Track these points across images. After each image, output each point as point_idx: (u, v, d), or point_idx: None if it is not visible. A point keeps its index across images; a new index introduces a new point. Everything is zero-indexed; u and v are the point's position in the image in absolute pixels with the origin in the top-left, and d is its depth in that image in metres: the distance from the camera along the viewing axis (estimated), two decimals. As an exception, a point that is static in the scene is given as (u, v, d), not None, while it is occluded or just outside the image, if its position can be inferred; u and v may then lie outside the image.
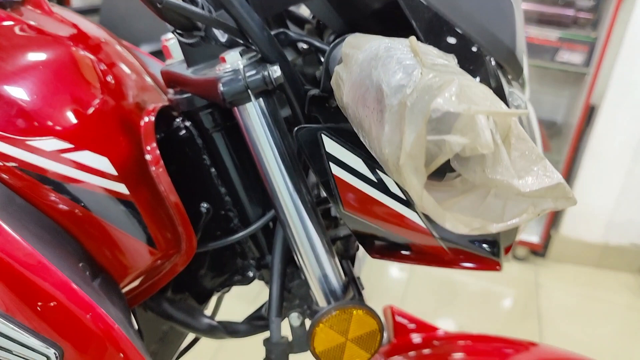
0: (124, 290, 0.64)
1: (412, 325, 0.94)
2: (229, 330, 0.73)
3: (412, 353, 0.87)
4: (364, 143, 0.43)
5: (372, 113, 0.36)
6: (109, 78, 0.63)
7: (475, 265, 0.61)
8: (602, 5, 2.36)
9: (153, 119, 0.62)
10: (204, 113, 0.64)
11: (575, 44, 2.37)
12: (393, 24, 0.53)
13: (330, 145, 0.52)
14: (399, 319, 0.90)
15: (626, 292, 2.64)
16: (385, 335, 0.77)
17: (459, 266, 0.62)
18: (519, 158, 0.32)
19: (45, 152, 0.54)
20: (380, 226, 0.57)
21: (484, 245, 0.60)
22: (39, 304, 0.48)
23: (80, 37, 0.66)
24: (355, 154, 0.52)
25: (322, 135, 0.51)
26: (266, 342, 0.65)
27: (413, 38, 0.38)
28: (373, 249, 0.65)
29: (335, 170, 0.53)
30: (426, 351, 0.86)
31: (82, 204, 0.57)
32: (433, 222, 0.56)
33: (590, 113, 2.52)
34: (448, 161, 0.34)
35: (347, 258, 0.71)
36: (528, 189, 0.31)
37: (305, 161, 0.60)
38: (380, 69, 0.36)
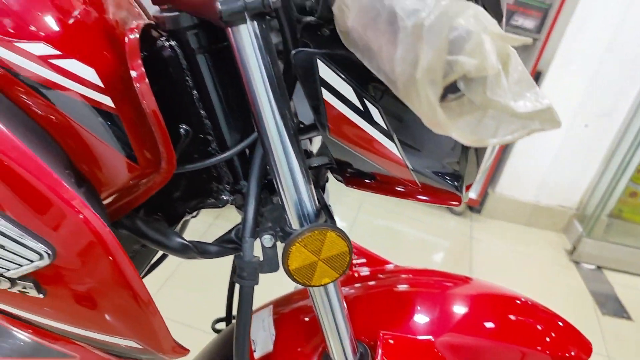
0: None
1: (362, 260, 1.00)
2: (200, 250, 0.75)
3: (357, 285, 0.93)
4: (369, 66, 0.46)
5: (384, 35, 0.39)
6: None
7: (439, 199, 0.67)
8: (558, -26, 2.43)
9: (138, 35, 0.62)
10: (190, 33, 0.64)
11: (530, 9, 2.45)
12: None
13: (324, 71, 0.54)
14: None
15: (550, 249, 2.86)
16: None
17: (424, 199, 0.67)
18: (514, 83, 0.36)
19: (33, 56, 0.54)
20: (361, 154, 0.61)
21: (448, 179, 0.65)
22: (33, 202, 0.49)
23: None
24: (347, 82, 0.55)
25: (318, 60, 0.54)
26: (238, 259, 0.68)
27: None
28: (348, 179, 0.68)
29: (326, 95, 0.55)
30: (371, 283, 0.93)
31: (68, 112, 0.57)
32: (407, 152, 0.60)
33: (536, 79, 2.64)
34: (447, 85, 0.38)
35: (317, 187, 0.74)
36: (522, 110, 0.35)
37: (292, 88, 0.62)
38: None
